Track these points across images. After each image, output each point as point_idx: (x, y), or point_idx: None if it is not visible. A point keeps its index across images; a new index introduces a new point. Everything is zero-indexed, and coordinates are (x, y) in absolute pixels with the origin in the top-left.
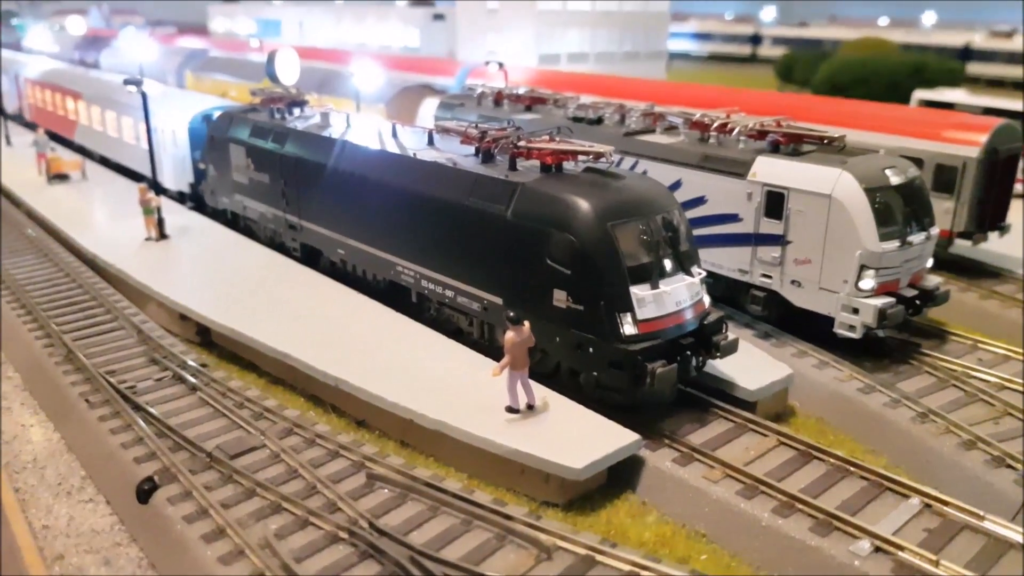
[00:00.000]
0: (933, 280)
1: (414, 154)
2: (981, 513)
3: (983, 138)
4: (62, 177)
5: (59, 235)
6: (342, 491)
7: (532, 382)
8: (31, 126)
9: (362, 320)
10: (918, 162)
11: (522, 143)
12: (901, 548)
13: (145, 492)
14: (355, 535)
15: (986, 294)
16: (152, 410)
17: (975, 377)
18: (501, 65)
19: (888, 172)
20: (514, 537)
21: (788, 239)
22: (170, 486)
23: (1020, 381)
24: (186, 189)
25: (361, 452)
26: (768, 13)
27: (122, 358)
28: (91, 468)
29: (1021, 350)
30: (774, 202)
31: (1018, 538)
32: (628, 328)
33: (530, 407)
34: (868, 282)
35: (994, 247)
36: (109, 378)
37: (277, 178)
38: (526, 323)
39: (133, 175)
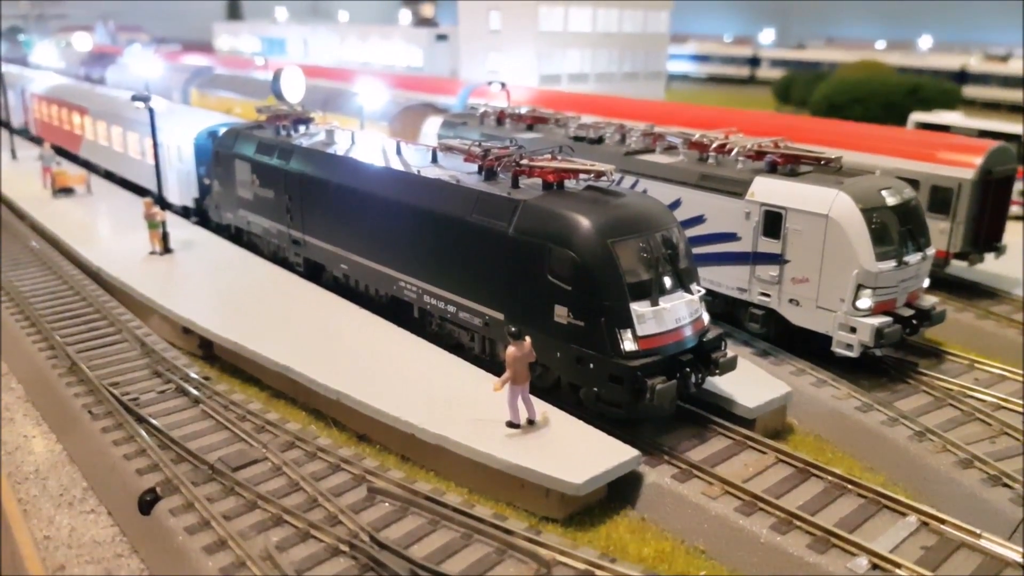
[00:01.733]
0: (930, 300)
1: (418, 171)
2: (978, 531)
3: (978, 160)
4: (67, 191)
5: (63, 248)
6: (343, 504)
7: (533, 397)
8: (37, 140)
9: (364, 335)
10: (914, 183)
11: (524, 161)
12: (899, 565)
13: (147, 503)
14: (356, 548)
15: (983, 314)
16: (155, 422)
17: (972, 396)
18: (503, 85)
19: (884, 193)
20: (514, 552)
21: (786, 258)
22: (172, 497)
23: (1017, 401)
24: (190, 204)
25: (362, 466)
26: (766, 36)
27: (125, 370)
28: (93, 479)
29: (1018, 370)
30: (772, 221)
31: (1014, 556)
32: (628, 344)
33: (531, 422)
34: (865, 301)
35: (991, 268)
36: (112, 390)
37: (281, 194)
38: (527, 338)
39: (138, 190)
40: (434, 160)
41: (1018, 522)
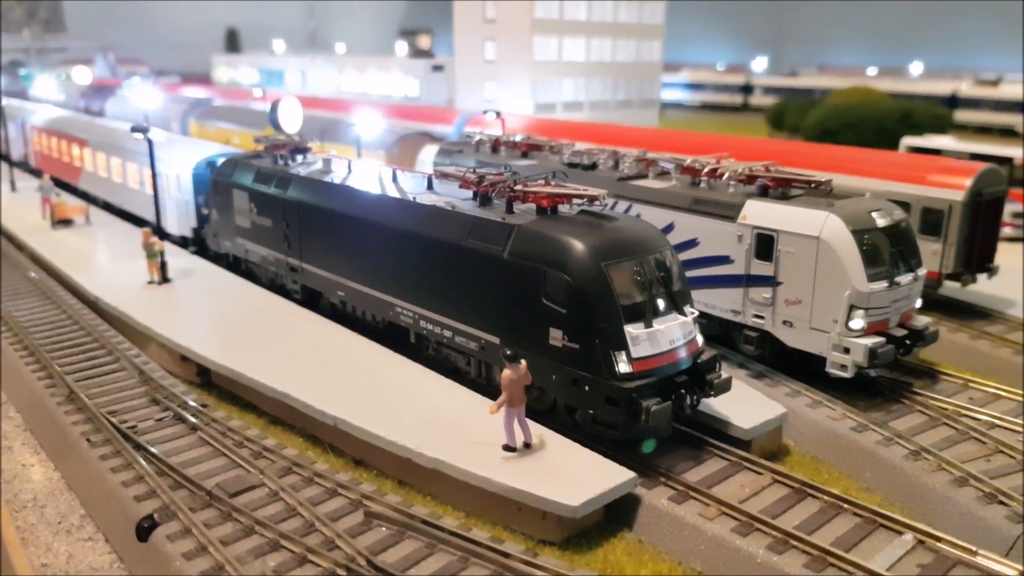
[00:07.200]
0: (922, 320)
1: (414, 198)
2: (974, 549)
3: (968, 182)
4: (66, 222)
5: (62, 278)
6: (340, 528)
7: (529, 420)
8: (36, 173)
9: (361, 360)
10: (905, 205)
11: (518, 187)
12: None
13: (145, 530)
14: (353, 572)
15: (976, 334)
16: (152, 449)
17: (966, 415)
18: (498, 113)
19: (874, 214)
20: (511, 575)
21: (779, 280)
22: (170, 524)
23: (1012, 419)
24: (189, 233)
25: (359, 490)
26: (759, 63)
27: (123, 398)
28: (91, 506)
29: (1014, 388)
30: (764, 244)
31: (1011, 573)
32: (623, 366)
33: (527, 445)
34: (858, 322)
35: (983, 288)
36: (110, 418)
37: (279, 222)
38: (523, 361)
39: (137, 220)
40: (430, 187)
41: (1015, 539)
